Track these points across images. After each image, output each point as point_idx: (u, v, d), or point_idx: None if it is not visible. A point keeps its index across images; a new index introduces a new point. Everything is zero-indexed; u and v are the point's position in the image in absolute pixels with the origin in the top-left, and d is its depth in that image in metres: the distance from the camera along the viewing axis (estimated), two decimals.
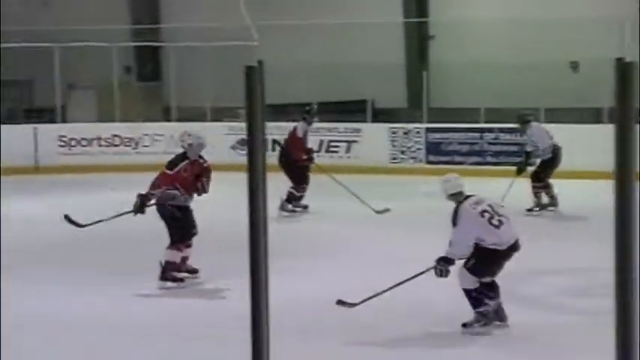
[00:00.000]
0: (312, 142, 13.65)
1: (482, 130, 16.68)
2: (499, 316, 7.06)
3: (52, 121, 18.49)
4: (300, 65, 17.77)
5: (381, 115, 18.42)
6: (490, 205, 7.00)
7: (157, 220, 8.63)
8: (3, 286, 7.71)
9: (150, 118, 18.87)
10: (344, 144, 17.27)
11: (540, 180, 12.47)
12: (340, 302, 7.11)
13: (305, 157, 12.71)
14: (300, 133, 12.81)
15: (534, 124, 12.76)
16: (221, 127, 17.50)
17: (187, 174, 8.61)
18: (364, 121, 17.93)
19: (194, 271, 8.80)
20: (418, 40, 20.38)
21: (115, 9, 20.98)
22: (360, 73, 18.21)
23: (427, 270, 6.94)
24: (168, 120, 18.73)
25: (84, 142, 17.92)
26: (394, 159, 17.03)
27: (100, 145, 17.96)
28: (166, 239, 8.55)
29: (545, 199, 12.53)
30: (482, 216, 6.88)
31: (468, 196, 7.05)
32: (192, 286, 8.63)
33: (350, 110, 18.90)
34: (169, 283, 8.58)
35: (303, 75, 17.81)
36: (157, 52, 21.35)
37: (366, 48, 18.92)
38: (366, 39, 19.05)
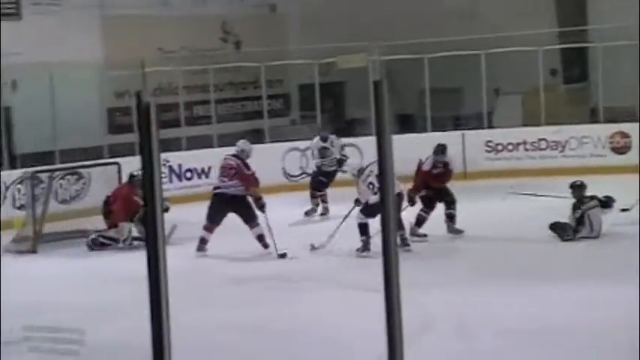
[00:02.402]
0: None
1: None
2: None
3: (479, 127, 18.83)
4: None
5: None
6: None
7: None
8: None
9: (576, 120, 18.57)
10: None
11: None
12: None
13: None
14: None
15: None
16: None
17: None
18: None
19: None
20: None
21: (540, 13, 20.88)
22: None
23: None
24: (596, 122, 18.29)
25: (510, 147, 18.06)
26: None
27: (526, 150, 17.99)
28: None
29: None
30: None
31: None
32: None
33: None
34: None
35: None
36: (584, 53, 20.92)
37: None
38: None
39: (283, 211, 14.61)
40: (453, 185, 12.81)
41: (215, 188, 12.39)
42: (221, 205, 12.00)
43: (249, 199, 12.09)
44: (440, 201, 12.50)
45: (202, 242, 11.94)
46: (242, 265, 11.28)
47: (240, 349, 7.63)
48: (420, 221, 12.41)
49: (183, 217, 13.10)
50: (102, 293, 9.92)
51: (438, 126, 18.89)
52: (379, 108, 1.99)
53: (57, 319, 7.28)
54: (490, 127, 18.88)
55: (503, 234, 12.12)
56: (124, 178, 13.69)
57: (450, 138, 18.06)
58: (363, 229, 11.62)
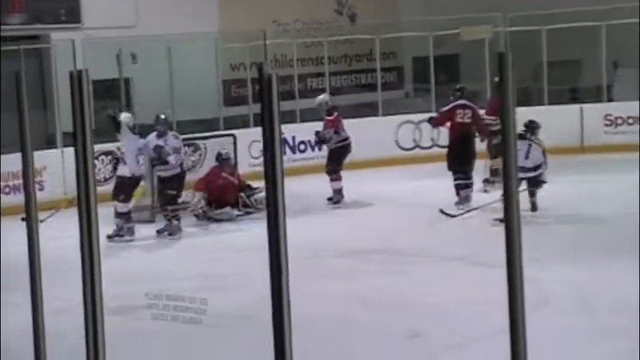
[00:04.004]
0: None
1: None
2: None
3: (598, 100, 18.41)
4: None
5: None
6: None
7: None
8: None
9: None
10: None
11: None
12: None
13: None
14: None
15: None
16: None
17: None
18: None
19: None
20: None
21: None
22: None
23: None
24: None
25: (630, 121, 17.60)
26: None
27: None
28: None
29: None
30: None
31: None
32: None
33: None
34: None
35: None
36: None
37: None
38: None
39: (395, 184, 14.62)
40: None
41: (344, 140, 13.99)
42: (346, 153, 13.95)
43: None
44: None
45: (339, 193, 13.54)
46: (349, 238, 11.31)
47: (353, 321, 7.66)
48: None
49: (296, 190, 13.21)
50: (219, 263, 10.09)
51: (555, 99, 18.53)
52: (504, 81, 1.95)
53: (178, 287, 7.43)
54: (609, 100, 18.42)
55: (619, 209, 11.79)
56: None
57: (568, 111, 17.78)
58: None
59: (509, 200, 1.95)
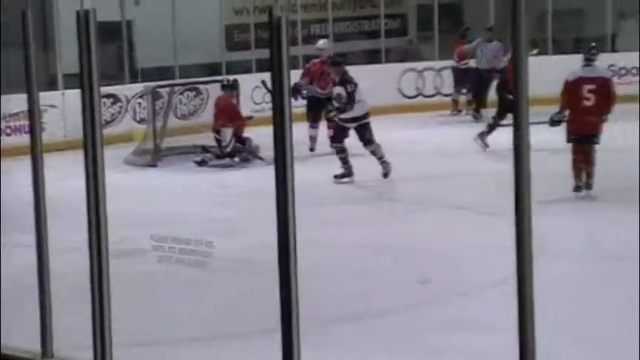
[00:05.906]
0: None
1: None
2: None
3: (602, 50, 18.27)
4: None
5: None
6: None
7: None
8: None
9: None
10: None
11: None
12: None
13: None
14: None
15: None
16: None
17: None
18: None
19: None
20: None
21: None
22: None
23: None
24: None
25: (634, 71, 17.52)
26: None
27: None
28: None
29: None
30: None
31: None
32: None
33: None
34: None
35: None
36: None
37: None
38: None
39: (396, 132, 14.59)
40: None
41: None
42: None
43: None
44: None
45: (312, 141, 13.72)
46: (352, 185, 11.32)
47: (361, 267, 7.66)
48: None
49: (297, 136, 13.19)
50: (223, 208, 10.09)
51: (559, 49, 18.43)
52: (516, 27, 1.93)
53: (182, 231, 7.44)
54: (614, 50, 18.31)
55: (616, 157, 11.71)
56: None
57: (572, 61, 17.64)
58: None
59: (519, 147, 1.94)
